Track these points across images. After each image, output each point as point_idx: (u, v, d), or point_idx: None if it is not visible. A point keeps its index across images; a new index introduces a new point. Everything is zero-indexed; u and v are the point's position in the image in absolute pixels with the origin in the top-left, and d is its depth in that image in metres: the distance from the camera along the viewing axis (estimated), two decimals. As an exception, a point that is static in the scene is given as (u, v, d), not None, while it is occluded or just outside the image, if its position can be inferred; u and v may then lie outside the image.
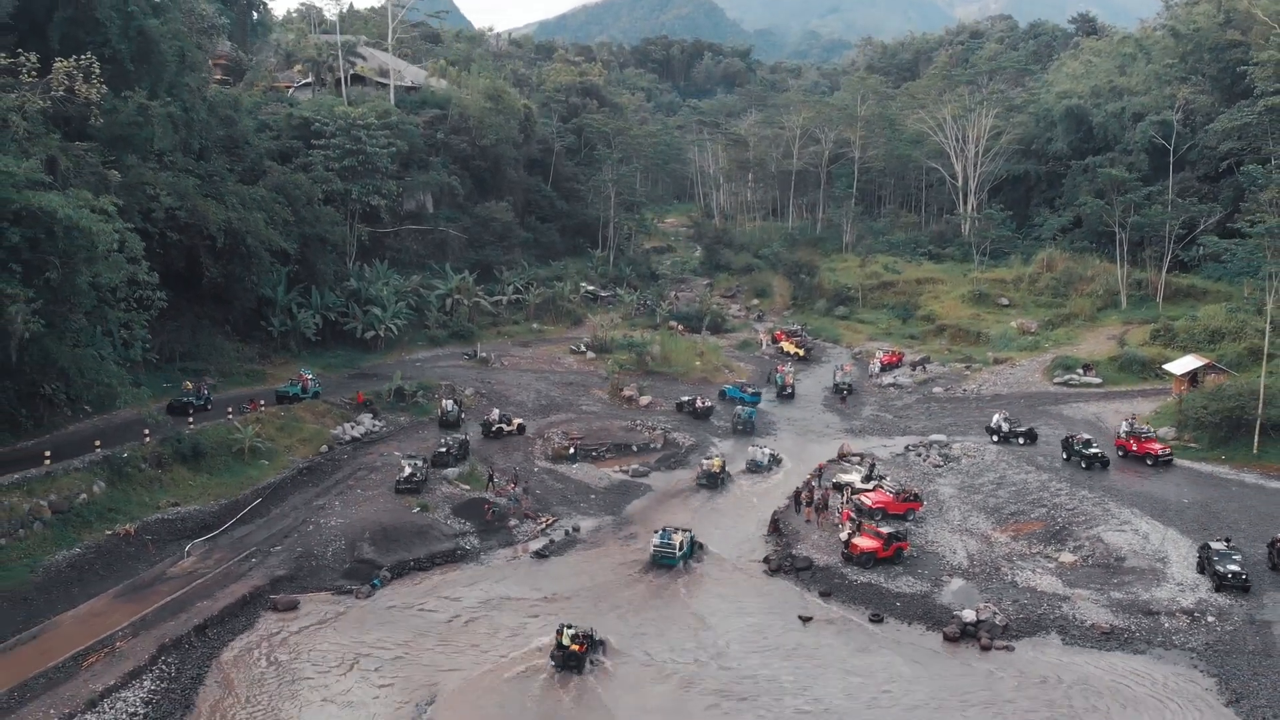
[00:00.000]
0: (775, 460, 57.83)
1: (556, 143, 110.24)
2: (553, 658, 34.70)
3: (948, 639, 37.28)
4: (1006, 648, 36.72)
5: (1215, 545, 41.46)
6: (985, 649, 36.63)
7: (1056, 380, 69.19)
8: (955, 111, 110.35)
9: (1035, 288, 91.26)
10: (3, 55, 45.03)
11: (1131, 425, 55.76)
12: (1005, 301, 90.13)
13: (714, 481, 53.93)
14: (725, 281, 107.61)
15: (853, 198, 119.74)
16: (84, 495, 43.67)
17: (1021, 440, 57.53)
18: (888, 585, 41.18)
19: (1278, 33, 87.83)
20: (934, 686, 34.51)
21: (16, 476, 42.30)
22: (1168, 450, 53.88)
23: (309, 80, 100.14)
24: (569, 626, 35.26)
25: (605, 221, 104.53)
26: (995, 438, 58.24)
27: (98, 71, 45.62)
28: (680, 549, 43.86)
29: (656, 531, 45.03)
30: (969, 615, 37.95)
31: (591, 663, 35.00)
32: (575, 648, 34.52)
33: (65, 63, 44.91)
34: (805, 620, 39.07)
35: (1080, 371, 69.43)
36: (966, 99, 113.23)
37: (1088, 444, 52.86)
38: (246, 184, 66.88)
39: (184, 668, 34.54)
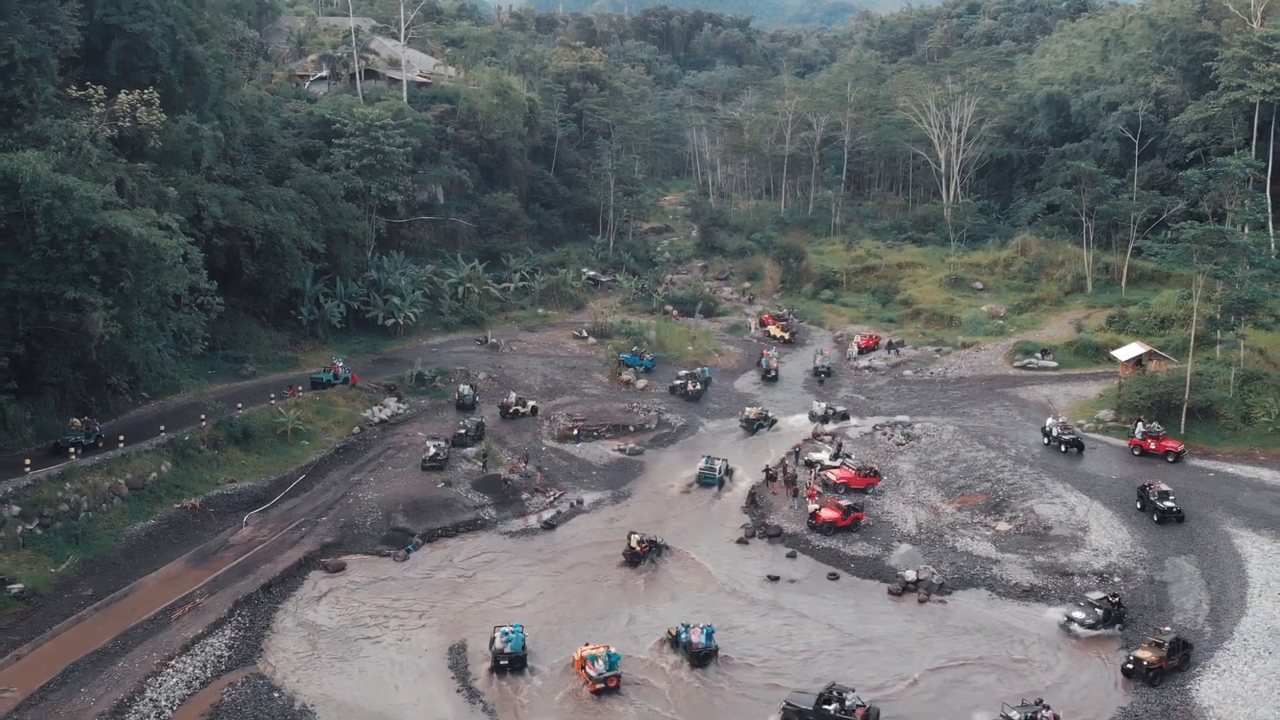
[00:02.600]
0: (836, 414, 66.55)
1: (559, 131, 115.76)
2: (624, 555, 47.25)
3: (891, 594, 44.63)
4: (940, 601, 43.91)
5: (1090, 599, 42.68)
6: (922, 602, 43.90)
7: (1016, 364, 75.68)
8: (939, 100, 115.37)
9: (1009, 272, 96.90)
10: (74, 88, 51.19)
11: (1147, 426, 58.70)
12: (979, 285, 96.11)
13: (751, 426, 65.20)
14: (719, 264, 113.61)
15: (841, 183, 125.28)
16: (154, 474, 50.54)
17: (1064, 449, 57.75)
18: (845, 550, 48.40)
19: (1242, 32, 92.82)
20: (871, 624, 42.69)
21: (97, 459, 48.99)
22: (1182, 446, 57.45)
23: (324, 74, 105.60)
24: (634, 534, 47.99)
25: (606, 207, 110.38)
26: (1046, 440, 59.38)
27: (157, 101, 51.76)
28: (719, 473, 56.41)
29: (703, 458, 57.73)
30: (910, 574, 45.22)
31: (651, 561, 47.34)
32: (639, 549, 47.09)
33: (129, 95, 51.04)
34: (773, 579, 46.30)
35: (1038, 356, 75.88)
36: (949, 87, 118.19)
37: (1164, 495, 50.24)
38: (273, 181, 73.12)
39: (255, 619, 41.72)
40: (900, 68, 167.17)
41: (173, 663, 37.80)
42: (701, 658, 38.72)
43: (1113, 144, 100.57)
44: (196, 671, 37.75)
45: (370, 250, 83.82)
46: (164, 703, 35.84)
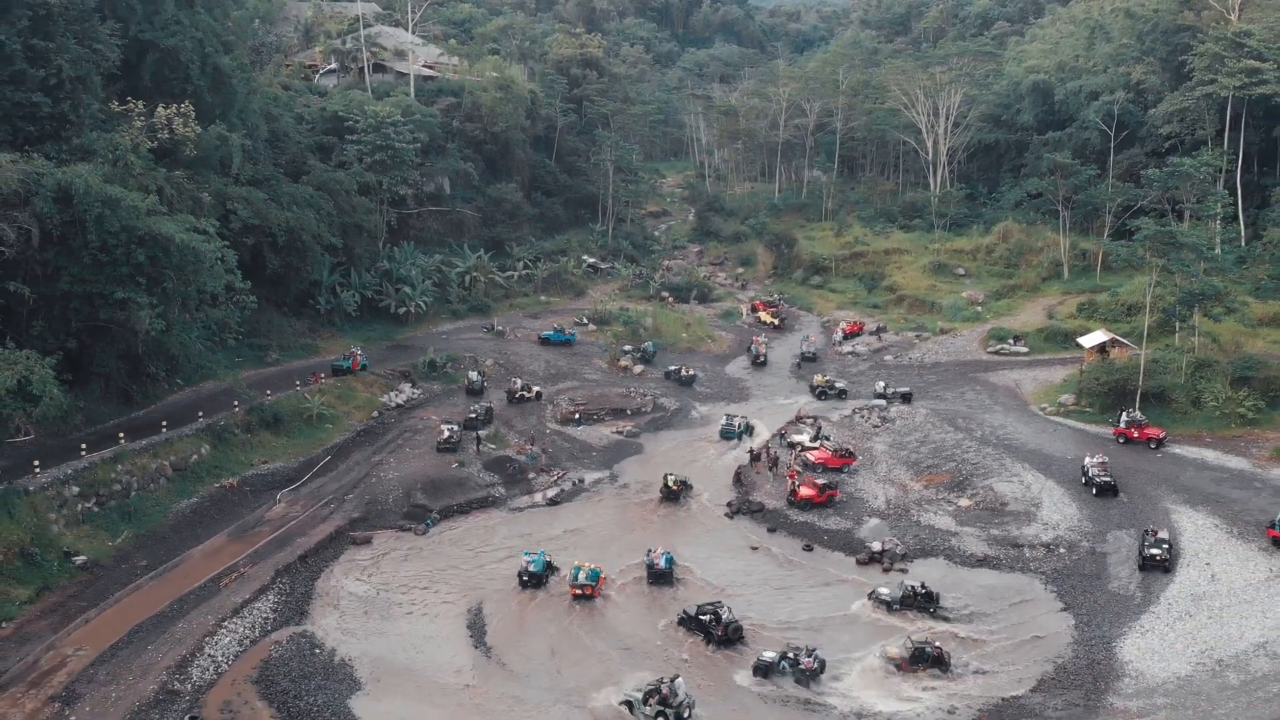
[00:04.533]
0: (900, 395, 71.54)
1: (560, 120, 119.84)
2: (660, 493, 56.33)
3: (859, 563, 50.00)
4: (902, 569, 49.23)
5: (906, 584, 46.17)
6: (886, 570, 49.20)
7: (990, 350, 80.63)
8: (927, 89, 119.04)
9: (990, 258, 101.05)
10: (115, 102, 55.73)
11: (1130, 415, 61.81)
12: (962, 272, 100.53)
13: (817, 393, 73.67)
14: (715, 249, 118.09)
15: (833, 170, 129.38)
16: (195, 456, 55.66)
17: (1096, 493, 54.90)
18: (820, 524, 53.71)
19: (1219, 26, 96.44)
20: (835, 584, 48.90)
21: (144, 443, 53.96)
22: (1164, 433, 60.50)
23: (333, 67, 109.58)
24: (671, 474, 56.79)
25: (605, 195, 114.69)
26: (1084, 480, 56.25)
27: (193, 114, 56.34)
28: (738, 429, 65.29)
29: (724, 416, 67.12)
30: (876, 545, 50.53)
31: (682, 499, 56.42)
32: (674, 487, 56.17)
33: (167, 109, 55.61)
34: (754, 549, 51.71)
35: (1011, 342, 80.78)
36: (938, 76, 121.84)
37: (1159, 543, 48.21)
38: (291, 178, 77.59)
39: (295, 586, 46.98)
40: (896, 48, 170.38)
41: (226, 624, 42.98)
42: (658, 576, 47.50)
43: (1093, 133, 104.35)
44: (247, 631, 42.96)
45: (382, 241, 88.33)
46: (220, 658, 41.02)
